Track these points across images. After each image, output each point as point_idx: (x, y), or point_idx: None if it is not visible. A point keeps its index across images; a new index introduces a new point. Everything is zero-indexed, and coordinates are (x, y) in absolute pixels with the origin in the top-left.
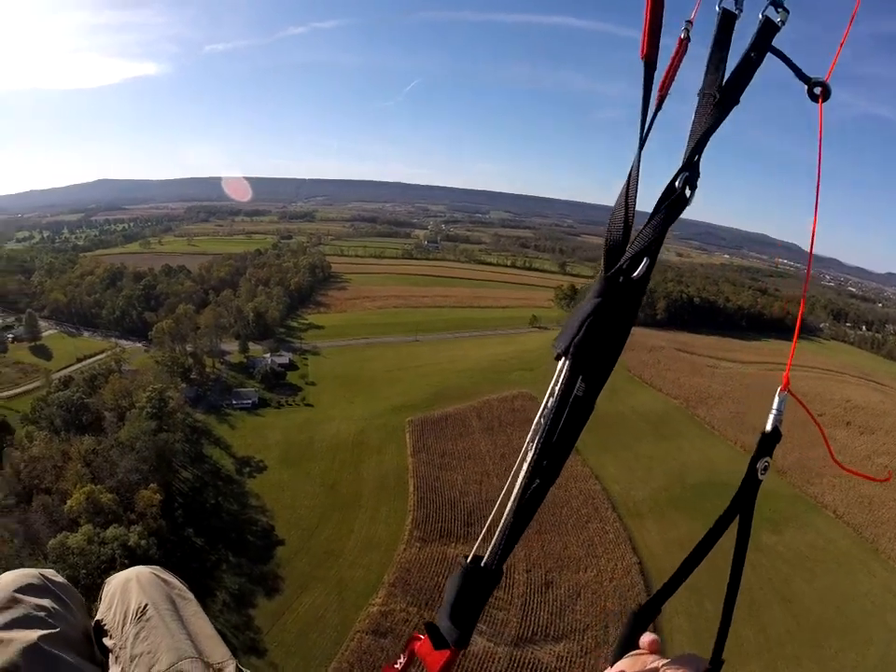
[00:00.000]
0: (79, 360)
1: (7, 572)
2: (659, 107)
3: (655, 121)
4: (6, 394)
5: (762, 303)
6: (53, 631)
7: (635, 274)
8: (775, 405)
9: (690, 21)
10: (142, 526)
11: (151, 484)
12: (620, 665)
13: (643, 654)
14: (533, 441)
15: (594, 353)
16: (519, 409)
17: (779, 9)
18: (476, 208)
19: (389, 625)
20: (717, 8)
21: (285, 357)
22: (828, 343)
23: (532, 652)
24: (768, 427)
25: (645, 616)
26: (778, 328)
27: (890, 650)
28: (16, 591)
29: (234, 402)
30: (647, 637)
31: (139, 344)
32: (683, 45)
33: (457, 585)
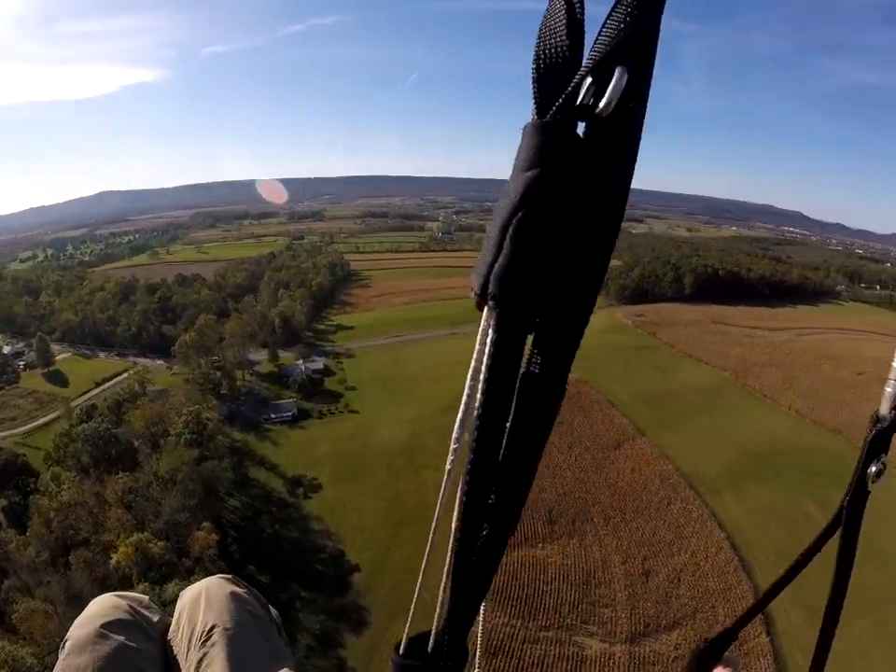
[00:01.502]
0: (98, 384)
1: (100, 598)
2: None
3: None
4: (23, 429)
5: (781, 271)
6: None
7: (602, 105)
8: (888, 395)
9: None
10: (200, 573)
11: (204, 523)
12: None
13: None
14: (451, 465)
15: (538, 287)
16: (575, 395)
17: None
18: (485, 197)
19: (497, 643)
20: None
21: (319, 363)
22: (847, 304)
23: (649, 646)
24: (884, 409)
25: (715, 649)
26: (799, 293)
27: None
28: (102, 626)
29: (273, 416)
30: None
31: (160, 362)
32: None
33: None
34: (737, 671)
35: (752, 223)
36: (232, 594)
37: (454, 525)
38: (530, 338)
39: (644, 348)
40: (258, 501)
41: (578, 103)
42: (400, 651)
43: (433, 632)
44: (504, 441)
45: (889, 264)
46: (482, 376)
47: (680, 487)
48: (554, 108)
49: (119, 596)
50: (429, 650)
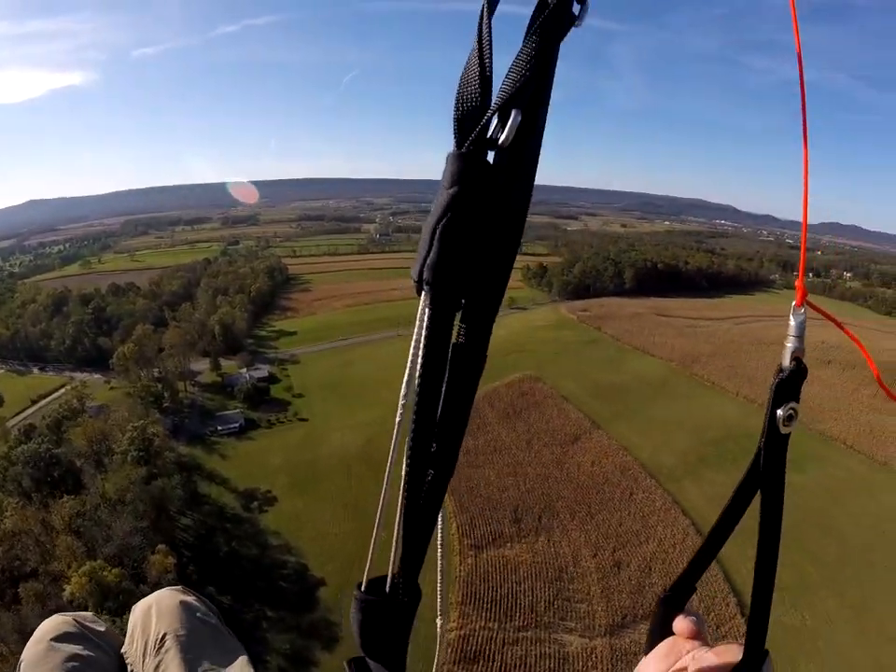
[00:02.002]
0: (34, 402)
1: (47, 619)
2: None
3: None
4: None
5: (717, 263)
6: None
7: (502, 139)
8: (792, 328)
9: None
10: None
11: (159, 545)
12: (654, 654)
13: (679, 641)
14: (401, 419)
15: (461, 274)
16: (528, 391)
17: None
18: (422, 198)
19: (475, 648)
20: None
21: (263, 371)
22: (781, 292)
23: (629, 637)
24: (785, 362)
25: (676, 598)
26: (735, 283)
27: None
28: (53, 639)
29: (219, 428)
30: (681, 623)
31: (98, 376)
32: None
33: (359, 622)
34: (699, 621)
35: (685, 217)
36: (182, 602)
37: (403, 472)
38: (458, 315)
39: (591, 342)
40: (211, 518)
41: (487, 136)
42: (362, 589)
43: (389, 574)
44: (441, 399)
45: (819, 252)
46: (421, 345)
47: (641, 477)
48: (469, 141)
49: (65, 615)
50: (387, 589)
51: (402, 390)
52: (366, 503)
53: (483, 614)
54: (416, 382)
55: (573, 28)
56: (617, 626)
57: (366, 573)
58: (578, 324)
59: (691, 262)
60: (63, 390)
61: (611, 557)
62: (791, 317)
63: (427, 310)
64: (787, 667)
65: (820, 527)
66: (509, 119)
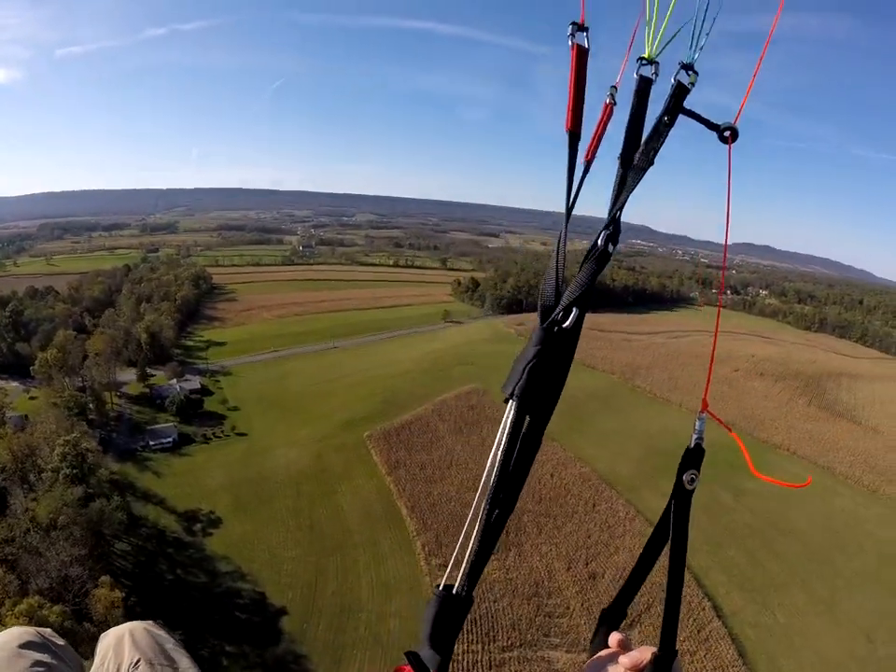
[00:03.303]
0: None
1: (9, 629)
2: (586, 173)
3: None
4: None
5: (641, 280)
6: None
7: (566, 325)
8: (696, 427)
9: (615, 87)
10: None
11: (102, 577)
12: (590, 664)
13: (612, 651)
14: (491, 475)
15: (536, 395)
16: (477, 405)
17: (690, 72)
18: (342, 212)
19: None
20: (634, 75)
21: (194, 382)
22: (703, 308)
23: None
24: (691, 445)
25: (612, 617)
26: (658, 300)
27: (883, 550)
28: (19, 646)
29: (151, 443)
30: (613, 638)
31: (16, 384)
32: (609, 109)
33: (434, 614)
34: (627, 639)
35: None
36: (154, 634)
37: (483, 513)
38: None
39: None
40: (150, 543)
41: (557, 320)
42: (440, 588)
43: (457, 584)
44: (512, 462)
45: (734, 271)
46: (505, 434)
47: (602, 488)
48: (547, 322)
49: (25, 627)
50: (458, 591)
51: (491, 456)
52: (320, 524)
53: (465, 636)
54: (498, 458)
55: (608, 259)
56: None
57: (444, 579)
58: (517, 338)
59: (617, 279)
60: None
61: (585, 570)
62: (697, 419)
63: (512, 414)
64: (770, 666)
65: (779, 529)
66: (571, 313)
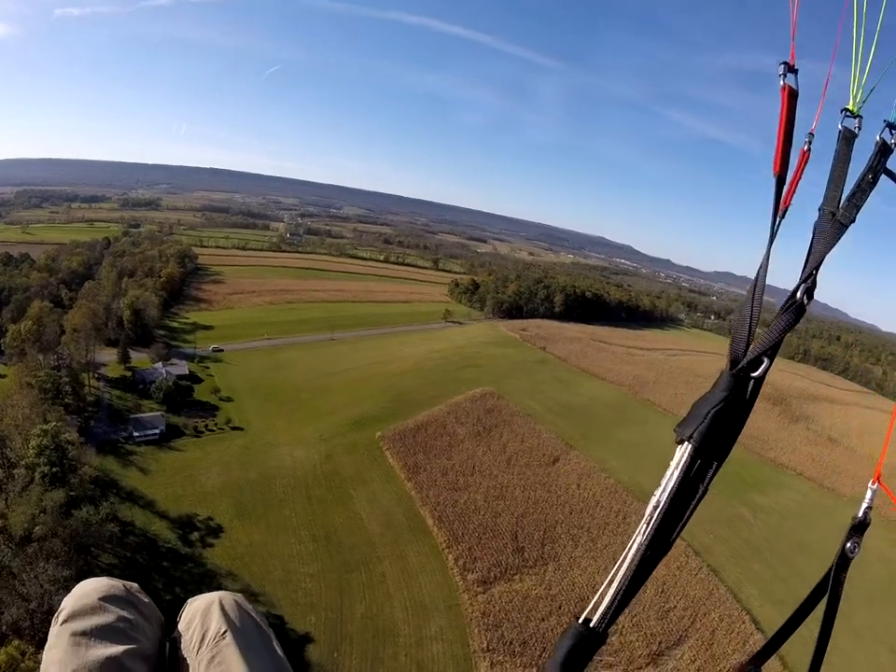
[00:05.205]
0: None
1: (90, 579)
2: (782, 218)
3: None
4: None
5: (634, 297)
6: (134, 647)
7: (756, 374)
8: (867, 497)
9: (811, 133)
10: None
11: None
12: None
13: None
14: (652, 517)
15: (716, 441)
16: (493, 408)
17: (894, 132)
18: (329, 203)
19: None
20: (839, 126)
21: (182, 367)
22: (690, 330)
23: (669, 664)
24: (860, 515)
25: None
26: (649, 318)
27: (892, 568)
28: (101, 598)
29: (136, 434)
30: None
31: None
32: (805, 156)
33: (569, 646)
34: None
35: (587, 252)
36: (244, 608)
37: (638, 558)
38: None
39: (541, 362)
40: (141, 555)
41: (746, 367)
42: (580, 621)
43: (597, 616)
44: (677, 506)
45: (714, 297)
46: (675, 477)
47: (629, 500)
48: (735, 369)
49: (112, 578)
50: (592, 625)
51: (656, 496)
52: (338, 535)
53: (517, 660)
54: (665, 498)
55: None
56: (655, 654)
57: (586, 612)
58: (521, 342)
59: (611, 294)
60: None
61: None
62: (868, 489)
63: (686, 458)
64: None
65: (794, 544)
66: (762, 364)
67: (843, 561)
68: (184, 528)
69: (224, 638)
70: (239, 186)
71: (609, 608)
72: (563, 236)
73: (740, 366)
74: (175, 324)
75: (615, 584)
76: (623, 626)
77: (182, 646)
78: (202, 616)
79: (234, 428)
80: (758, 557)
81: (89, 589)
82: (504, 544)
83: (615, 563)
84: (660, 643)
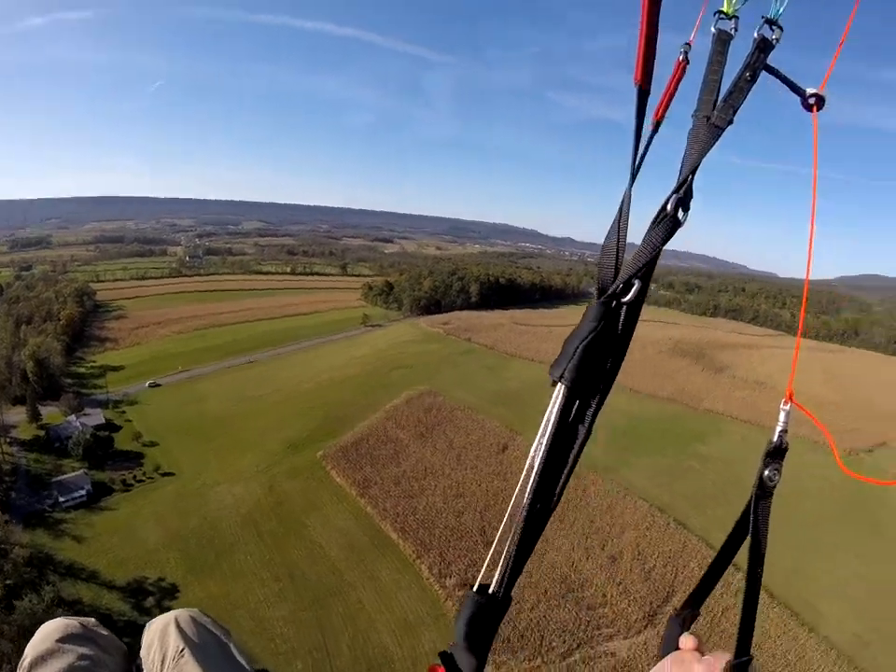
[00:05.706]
0: None
1: (49, 622)
2: (654, 133)
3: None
4: None
5: (546, 278)
6: None
7: (626, 299)
8: (780, 419)
9: (688, 44)
10: None
11: None
12: (662, 665)
13: (684, 653)
14: (533, 467)
15: (590, 377)
16: (432, 407)
17: (774, 27)
18: (227, 220)
19: None
20: (712, 29)
21: (97, 416)
22: None
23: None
24: (774, 438)
25: (683, 618)
26: (563, 296)
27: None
28: (59, 640)
29: (61, 500)
30: (685, 639)
31: None
32: (681, 67)
33: (469, 615)
34: (700, 640)
35: (493, 240)
36: (199, 623)
37: (523, 514)
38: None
39: (468, 353)
40: None
41: (615, 293)
42: (475, 590)
43: (493, 584)
44: (558, 453)
45: None
46: (551, 423)
47: (584, 474)
48: (604, 297)
49: (68, 618)
50: (495, 591)
51: (534, 445)
52: (301, 569)
53: (519, 654)
54: (543, 448)
55: (676, 227)
56: (649, 615)
57: (479, 579)
58: (445, 336)
59: (523, 278)
60: None
61: (603, 554)
62: (781, 410)
63: (560, 400)
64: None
65: (745, 484)
66: (633, 287)
67: (763, 490)
68: (136, 596)
69: (183, 656)
70: (132, 212)
71: (503, 571)
72: (469, 227)
73: (608, 293)
74: (82, 369)
75: (506, 546)
76: (612, 596)
77: (144, 670)
78: (159, 638)
79: (165, 474)
80: (716, 503)
81: (47, 632)
82: (474, 542)
83: (502, 522)
84: (651, 604)
